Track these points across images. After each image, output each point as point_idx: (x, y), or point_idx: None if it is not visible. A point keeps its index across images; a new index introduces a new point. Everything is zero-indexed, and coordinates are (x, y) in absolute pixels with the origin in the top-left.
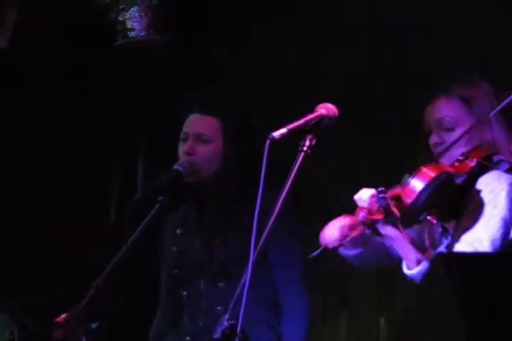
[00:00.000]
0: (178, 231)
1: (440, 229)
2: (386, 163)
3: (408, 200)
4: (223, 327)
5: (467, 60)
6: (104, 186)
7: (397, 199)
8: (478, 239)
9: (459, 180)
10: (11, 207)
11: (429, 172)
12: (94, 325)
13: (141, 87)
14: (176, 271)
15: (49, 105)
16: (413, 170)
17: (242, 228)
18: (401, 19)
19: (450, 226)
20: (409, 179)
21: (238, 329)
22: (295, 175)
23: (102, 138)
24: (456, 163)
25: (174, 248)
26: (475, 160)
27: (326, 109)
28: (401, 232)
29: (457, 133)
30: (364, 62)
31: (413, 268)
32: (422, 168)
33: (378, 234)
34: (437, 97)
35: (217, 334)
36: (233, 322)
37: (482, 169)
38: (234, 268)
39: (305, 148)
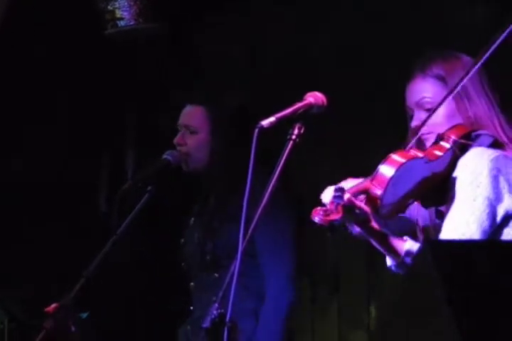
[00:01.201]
0: (190, 222)
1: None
2: (373, 147)
3: (378, 191)
4: (212, 316)
5: (458, 45)
6: (94, 176)
7: (366, 193)
8: (464, 222)
9: (430, 167)
10: None
11: (398, 159)
12: (84, 315)
13: (130, 76)
14: (183, 264)
15: (38, 94)
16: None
17: (231, 218)
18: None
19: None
20: (378, 167)
21: (227, 318)
22: (284, 164)
23: (91, 128)
24: (432, 148)
25: (182, 240)
26: (451, 140)
27: (314, 97)
28: (375, 229)
29: (437, 111)
30: (353, 46)
31: (394, 263)
32: (390, 154)
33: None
34: (412, 77)
35: (206, 324)
36: (222, 311)
37: (462, 149)
38: (225, 260)
39: (293, 137)
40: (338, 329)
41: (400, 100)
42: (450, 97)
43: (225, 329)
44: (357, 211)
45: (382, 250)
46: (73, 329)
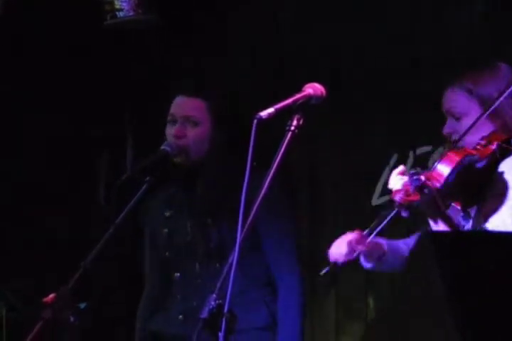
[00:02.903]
0: (167, 214)
1: (462, 214)
2: (373, 135)
3: (437, 184)
4: (210, 306)
5: (457, 44)
6: (93, 167)
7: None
8: (503, 222)
9: (479, 165)
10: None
11: (454, 156)
12: (82, 305)
13: (129, 67)
14: (167, 253)
15: (38, 84)
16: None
17: (233, 208)
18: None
19: (472, 210)
20: (436, 163)
21: (225, 308)
22: (282, 155)
23: (90, 118)
24: (478, 147)
25: (165, 230)
26: (495, 143)
27: (313, 88)
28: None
29: (464, 122)
30: (354, 42)
31: None
32: (446, 152)
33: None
34: (446, 87)
35: (204, 314)
36: (220, 301)
37: (503, 152)
38: (228, 249)
39: (292, 128)
40: (335, 320)
41: (400, 97)
42: (477, 107)
43: (223, 319)
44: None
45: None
46: (71, 319)
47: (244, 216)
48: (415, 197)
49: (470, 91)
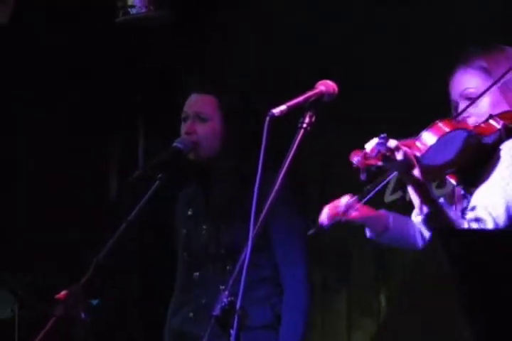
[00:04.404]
0: (188, 213)
1: (462, 192)
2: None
3: (418, 153)
4: (222, 303)
5: (467, 33)
6: (104, 164)
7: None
8: (494, 203)
9: (476, 141)
10: (9, 185)
11: (443, 127)
12: (95, 302)
13: (141, 63)
14: (185, 254)
15: (50, 82)
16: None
17: (246, 210)
18: None
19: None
20: (422, 132)
21: (238, 306)
22: (295, 153)
23: (102, 114)
24: (482, 125)
25: (184, 230)
26: (501, 123)
27: (325, 85)
28: (415, 177)
29: (483, 103)
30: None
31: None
32: (437, 121)
33: (372, 179)
34: (456, 69)
35: (216, 312)
36: (232, 298)
37: (508, 134)
38: (239, 253)
39: (304, 125)
40: (346, 316)
41: (408, 88)
42: (494, 87)
43: (235, 316)
44: (399, 158)
45: (418, 198)
46: (83, 316)
47: (257, 214)
48: (374, 161)
49: (485, 70)
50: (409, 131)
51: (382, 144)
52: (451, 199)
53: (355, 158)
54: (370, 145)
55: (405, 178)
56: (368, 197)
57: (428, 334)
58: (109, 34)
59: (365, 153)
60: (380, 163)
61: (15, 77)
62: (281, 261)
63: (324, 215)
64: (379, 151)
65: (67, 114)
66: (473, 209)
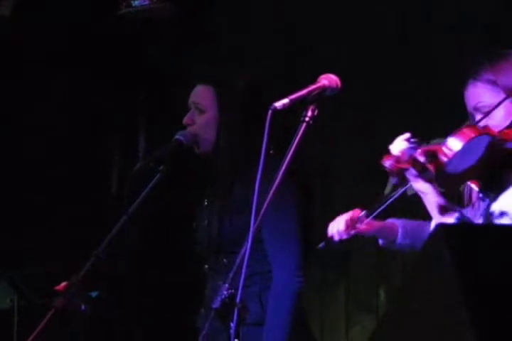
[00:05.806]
0: (205, 203)
1: (481, 195)
2: (388, 128)
3: (444, 158)
4: (222, 296)
5: (473, 32)
6: (106, 157)
7: (433, 156)
8: (509, 202)
9: (503, 146)
10: (12, 181)
11: (468, 132)
12: (94, 294)
13: (141, 58)
14: (196, 247)
15: (51, 76)
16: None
17: (239, 206)
18: None
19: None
20: (448, 137)
21: (238, 299)
22: (297, 146)
23: (102, 114)
24: (506, 130)
25: (194, 223)
26: None
27: (328, 79)
28: (434, 188)
29: (496, 114)
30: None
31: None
32: (462, 127)
33: (404, 184)
34: (466, 84)
35: (216, 304)
36: (232, 291)
37: None
38: (231, 246)
39: (307, 119)
40: (345, 312)
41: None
42: (507, 101)
43: (236, 309)
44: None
45: (435, 208)
46: (83, 307)
47: (257, 208)
48: (406, 165)
49: (494, 83)
50: (410, 131)
51: (415, 148)
52: (461, 198)
53: (388, 162)
54: (398, 147)
55: (420, 186)
56: (376, 212)
57: (428, 331)
58: (109, 34)
59: (398, 157)
60: (410, 167)
61: (15, 77)
62: (271, 260)
63: (334, 229)
64: (411, 155)
65: (67, 113)
66: (502, 215)
